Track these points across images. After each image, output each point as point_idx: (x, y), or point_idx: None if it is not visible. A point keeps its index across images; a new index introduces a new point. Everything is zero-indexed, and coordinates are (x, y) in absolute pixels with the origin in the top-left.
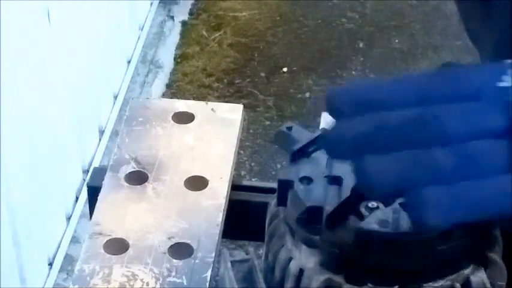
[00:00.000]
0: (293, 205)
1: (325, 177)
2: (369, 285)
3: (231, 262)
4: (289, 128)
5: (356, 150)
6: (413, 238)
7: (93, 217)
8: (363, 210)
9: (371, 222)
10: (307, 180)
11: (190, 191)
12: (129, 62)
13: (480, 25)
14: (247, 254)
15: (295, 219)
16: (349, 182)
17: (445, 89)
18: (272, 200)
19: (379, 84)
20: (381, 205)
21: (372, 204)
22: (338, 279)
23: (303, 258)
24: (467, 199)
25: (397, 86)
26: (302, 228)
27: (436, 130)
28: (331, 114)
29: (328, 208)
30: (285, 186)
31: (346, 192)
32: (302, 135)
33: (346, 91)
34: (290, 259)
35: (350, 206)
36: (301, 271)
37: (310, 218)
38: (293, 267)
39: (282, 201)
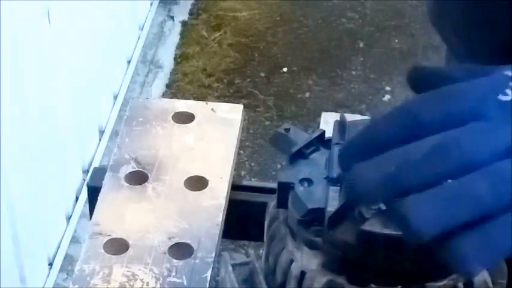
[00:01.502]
0: (294, 207)
1: (325, 178)
2: (372, 285)
3: (232, 265)
4: (287, 130)
5: (385, 193)
6: None
7: (93, 217)
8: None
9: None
10: (307, 181)
11: (190, 191)
12: (129, 62)
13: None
14: (248, 257)
15: (296, 221)
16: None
17: (444, 111)
18: (271, 202)
19: (384, 120)
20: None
21: None
22: (340, 280)
23: (305, 260)
24: (501, 244)
25: (396, 116)
26: (304, 230)
27: (460, 156)
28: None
29: (330, 209)
30: (285, 188)
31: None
32: (300, 137)
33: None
34: (291, 261)
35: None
36: (302, 273)
37: (312, 219)
38: (295, 269)
39: (282, 203)
